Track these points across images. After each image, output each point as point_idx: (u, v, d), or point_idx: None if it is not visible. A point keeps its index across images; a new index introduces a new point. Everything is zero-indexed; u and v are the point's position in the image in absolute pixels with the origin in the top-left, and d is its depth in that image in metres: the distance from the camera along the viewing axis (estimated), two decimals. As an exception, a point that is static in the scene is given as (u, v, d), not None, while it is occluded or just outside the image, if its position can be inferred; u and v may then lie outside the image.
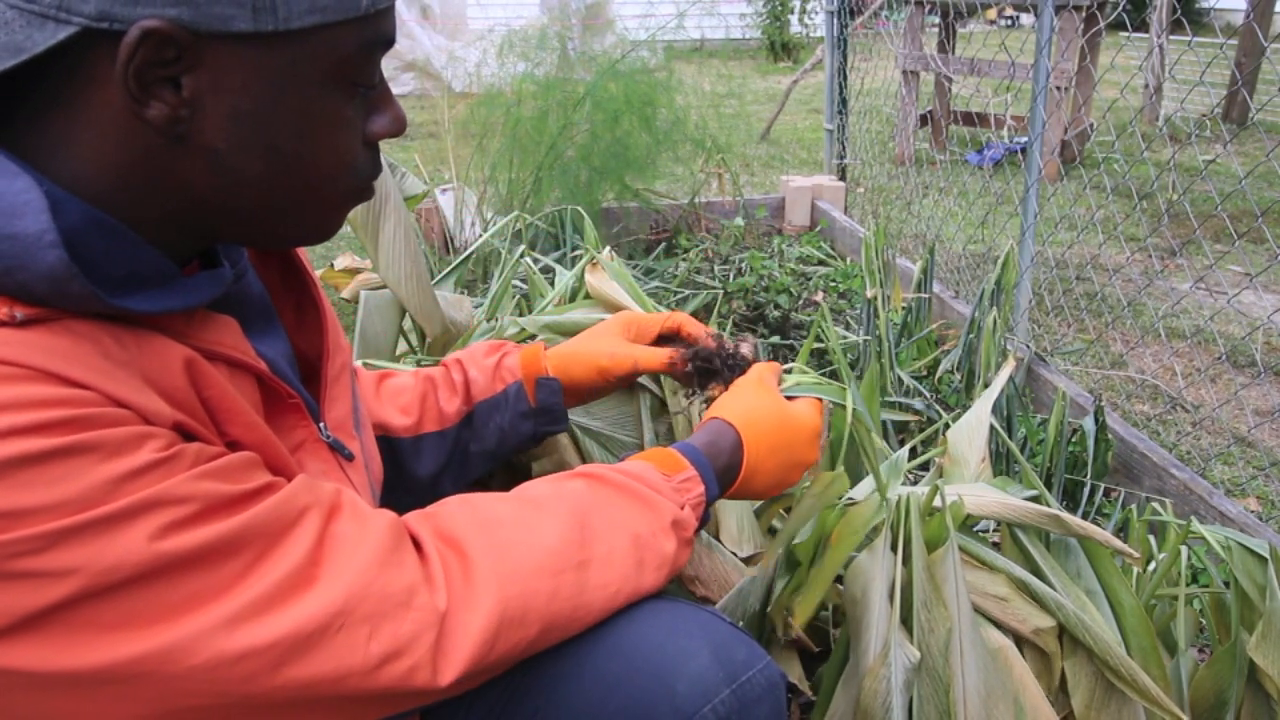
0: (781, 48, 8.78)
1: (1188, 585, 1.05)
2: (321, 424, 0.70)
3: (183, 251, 0.60)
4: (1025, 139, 2.35)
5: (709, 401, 0.96)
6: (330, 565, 0.55)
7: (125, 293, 0.53)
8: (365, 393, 0.93)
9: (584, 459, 1.15)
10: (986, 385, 1.77)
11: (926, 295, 2.15)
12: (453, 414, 0.95)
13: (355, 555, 0.56)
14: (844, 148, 3.40)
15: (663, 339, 1.02)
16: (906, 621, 0.89)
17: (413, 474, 0.94)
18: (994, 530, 1.44)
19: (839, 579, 0.99)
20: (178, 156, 0.54)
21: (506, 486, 0.73)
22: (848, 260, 2.80)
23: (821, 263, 2.83)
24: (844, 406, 0.98)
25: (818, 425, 0.89)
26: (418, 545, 0.61)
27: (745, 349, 0.97)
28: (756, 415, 0.84)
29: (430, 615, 0.57)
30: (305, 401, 0.67)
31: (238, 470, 0.55)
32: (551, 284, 1.71)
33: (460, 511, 0.66)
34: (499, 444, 0.96)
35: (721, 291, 2.41)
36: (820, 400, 0.93)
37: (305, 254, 0.77)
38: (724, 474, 0.80)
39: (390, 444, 0.92)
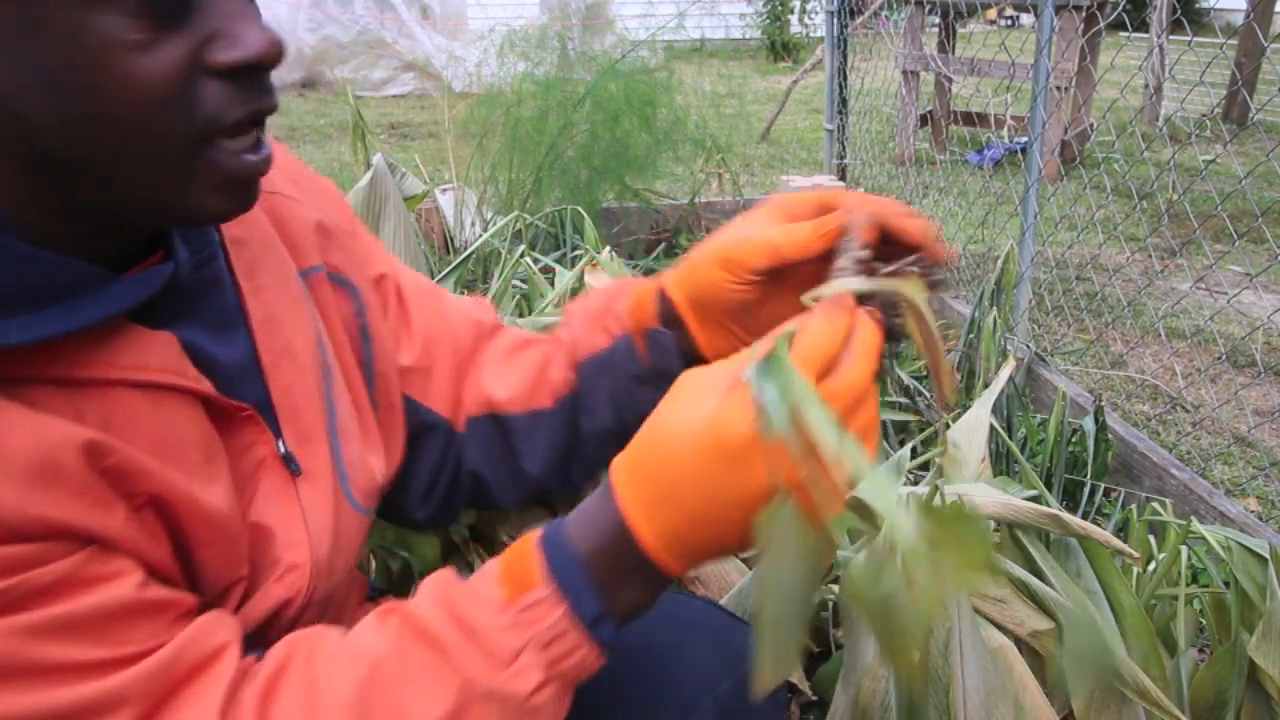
0: (781, 48, 8.79)
1: (1188, 585, 1.05)
2: (280, 438, 0.60)
3: (103, 247, 0.53)
4: (1025, 139, 2.35)
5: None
6: None
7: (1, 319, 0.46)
8: (489, 360, 0.77)
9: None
10: (986, 385, 1.77)
11: (926, 295, 2.15)
12: (560, 382, 0.74)
13: None
14: (844, 148, 3.40)
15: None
16: (906, 621, 0.89)
17: (521, 466, 0.75)
18: (994, 530, 1.44)
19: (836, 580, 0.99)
20: None
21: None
22: (848, 260, 2.80)
23: (821, 263, 2.83)
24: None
25: (747, 434, 0.48)
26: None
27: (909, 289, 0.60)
28: (651, 457, 0.51)
29: None
30: (265, 410, 0.60)
31: (82, 631, 0.46)
32: (551, 284, 1.71)
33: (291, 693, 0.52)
34: (617, 419, 0.71)
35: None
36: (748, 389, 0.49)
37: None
38: (609, 565, 0.51)
39: (502, 427, 0.75)
